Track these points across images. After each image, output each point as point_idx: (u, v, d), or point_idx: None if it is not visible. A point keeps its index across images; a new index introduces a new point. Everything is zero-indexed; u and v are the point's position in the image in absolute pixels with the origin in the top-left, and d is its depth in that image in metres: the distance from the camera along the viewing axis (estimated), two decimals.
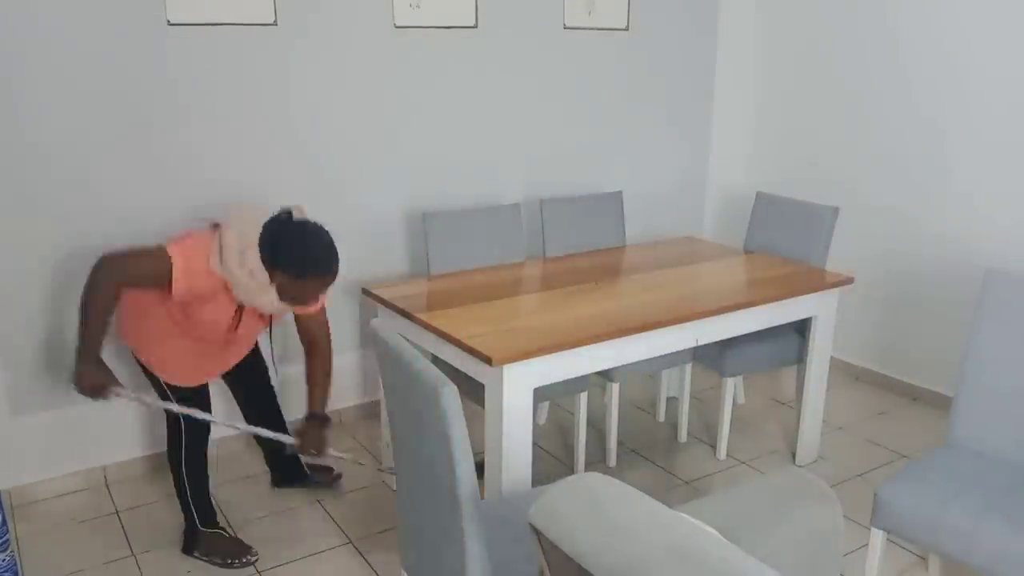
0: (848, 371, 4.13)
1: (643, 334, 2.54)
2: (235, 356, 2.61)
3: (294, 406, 2.95)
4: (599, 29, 3.88)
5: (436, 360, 2.65)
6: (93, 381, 2.24)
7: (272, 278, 2.23)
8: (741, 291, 2.92)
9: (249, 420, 2.82)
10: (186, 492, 2.58)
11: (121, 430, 3.07)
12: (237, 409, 2.87)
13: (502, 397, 2.28)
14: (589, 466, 3.20)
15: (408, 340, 2.14)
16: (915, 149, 3.72)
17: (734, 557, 1.11)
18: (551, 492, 1.32)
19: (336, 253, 2.29)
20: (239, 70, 3.01)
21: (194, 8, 2.86)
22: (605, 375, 3.05)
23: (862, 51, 3.86)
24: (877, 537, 2.26)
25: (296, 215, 2.29)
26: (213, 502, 2.68)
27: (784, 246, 3.44)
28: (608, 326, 2.49)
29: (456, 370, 2.47)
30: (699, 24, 4.25)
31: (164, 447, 3.13)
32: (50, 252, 2.81)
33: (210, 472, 2.66)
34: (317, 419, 2.55)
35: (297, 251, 2.22)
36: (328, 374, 2.59)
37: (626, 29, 3.97)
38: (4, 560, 2.19)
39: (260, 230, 2.22)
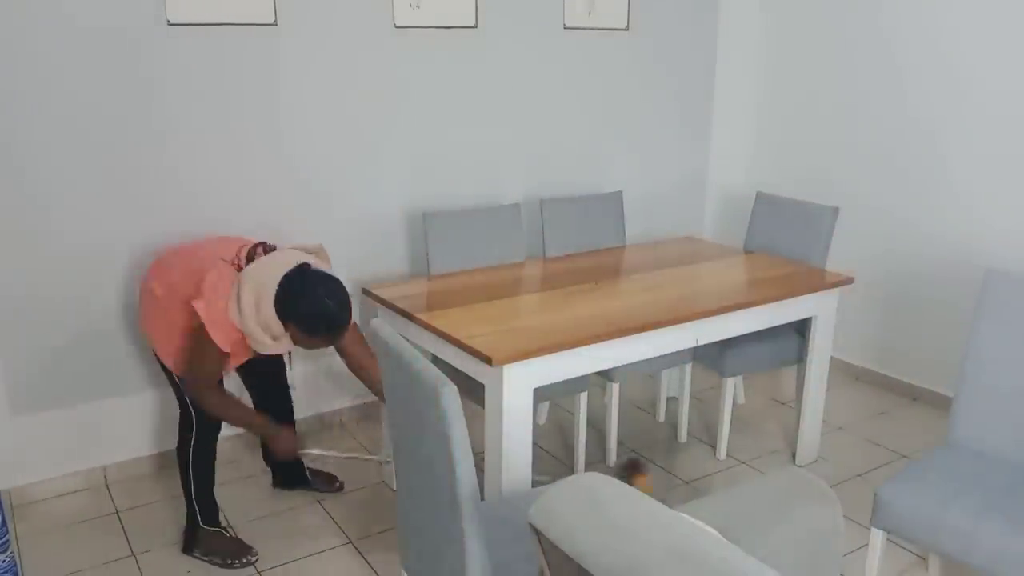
0: (848, 371, 4.13)
1: (643, 334, 2.54)
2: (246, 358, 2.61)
3: (300, 404, 2.95)
4: (599, 29, 3.88)
5: (436, 360, 2.65)
6: (286, 446, 2.52)
7: (286, 328, 2.29)
8: (741, 291, 2.92)
9: None
10: (191, 488, 2.58)
11: (121, 430, 3.07)
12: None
13: (502, 397, 2.28)
14: (589, 466, 3.20)
15: (408, 340, 2.14)
16: (915, 149, 3.72)
17: (734, 557, 1.11)
18: (551, 492, 1.32)
19: (349, 308, 2.32)
20: (238, 70, 3.01)
21: (194, 8, 2.87)
22: (605, 375, 3.05)
23: (862, 52, 3.86)
24: (877, 537, 2.26)
25: (313, 264, 2.33)
26: (217, 501, 2.68)
27: (784, 246, 3.44)
28: (608, 326, 2.49)
29: (456, 370, 2.47)
30: (699, 24, 4.25)
31: (164, 447, 3.16)
32: (50, 252, 2.81)
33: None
34: None
35: (310, 308, 2.25)
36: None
37: (626, 29, 3.97)
38: (4, 560, 2.19)
39: (277, 284, 2.24)
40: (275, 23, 3.04)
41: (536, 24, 3.68)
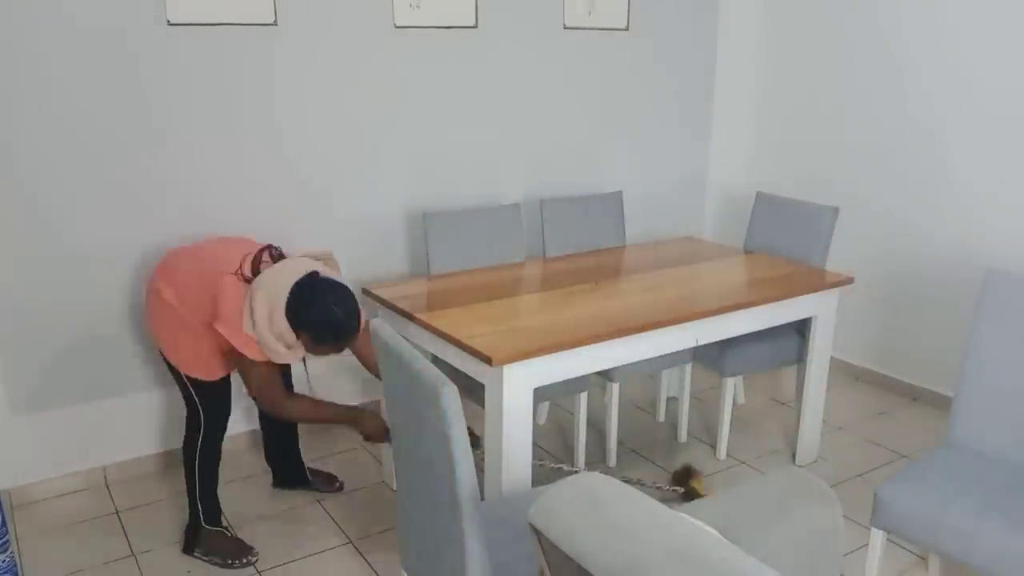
0: (848, 371, 4.13)
1: (643, 334, 2.54)
2: None
3: None
4: (599, 29, 3.88)
5: (436, 360, 2.65)
6: (376, 425, 2.49)
7: (298, 336, 2.32)
8: (741, 291, 2.92)
9: (263, 421, 2.86)
10: (195, 486, 2.58)
11: (121, 430, 3.07)
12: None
13: (502, 397, 2.28)
14: (589, 466, 3.20)
15: (408, 340, 2.14)
16: (915, 149, 3.72)
17: (734, 557, 1.11)
18: (551, 492, 1.32)
19: (358, 315, 2.36)
20: (238, 70, 3.01)
21: (194, 8, 2.87)
22: (605, 375, 3.05)
23: (862, 52, 3.86)
24: (877, 537, 2.26)
25: (322, 272, 2.36)
26: (220, 501, 2.68)
27: (784, 246, 3.44)
28: (608, 326, 2.49)
29: (456, 370, 2.47)
30: (699, 24, 4.25)
31: (163, 448, 3.16)
32: (50, 252, 2.81)
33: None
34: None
35: (319, 316, 2.30)
36: None
37: (626, 29, 3.97)
38: (4, 560, 2.19)
39: (288, 293, 2.28)
40: (275, 23, 3.04)
41: (536, 24, 3.68)
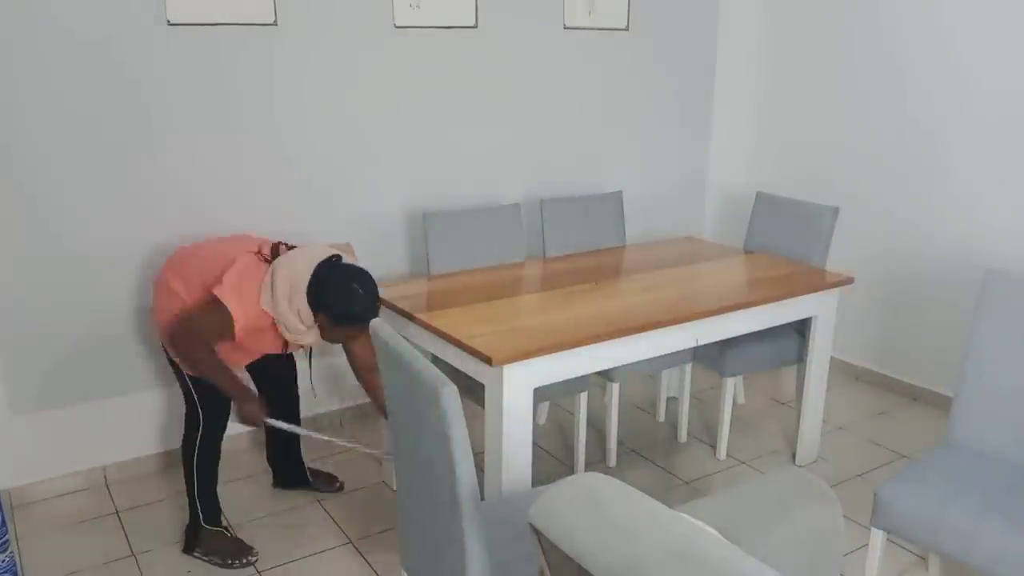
0: (848, 371, 4.13)
1: (643, 334, 2.54)
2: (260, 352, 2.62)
3: (301, 404, 2.95)
4: (599, 29, 3.88)
5: (436, 360, 2.65)
6: (252, 413, 2.45)
7: (315, 318, 2.35)
8: (741, 291, 2.92)
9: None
10: (194, 485, 2.59)
11: (121, 430, 3.07)
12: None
13: (502, 397, 2.28)
14: (589, 466, 3.20)
15: (408, 340, 2.14)
16: (915, 149, 3.72)
17: (734, 557, 1.11)
18: (551, 492, 1.32)
19: (378, 300, 2.39)
20: (238, 70, 3.01)
21: (194, 8, 2.87)
22: (605, 375, 3.05)
23: (862, 52, 3.86)
24: (877, 537, 2.25)
25: (345, 258, 2.41)
26: (220, 501, 2.68)
27: (784, 246, 3.44)
28: (608, 326, 2.49)
29: (456, 370, 2.47)
30: (699, 24, 4.25)
31: (163, 448, 3.16)
32: (49, 253, 2.81)
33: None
34: None
35: (342, 298, 2.32)
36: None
37: (626, 29, 3.97)
38: (4, 560, 2.19)
39: (311, 273, 2.31)
40: (275, 23, 3.04)
41: (536, 24, 3.68)
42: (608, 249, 3.56)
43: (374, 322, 2.04)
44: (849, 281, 3.09)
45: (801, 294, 2.95)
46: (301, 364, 2.88)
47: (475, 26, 3.50)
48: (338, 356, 3.24)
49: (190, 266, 2.44)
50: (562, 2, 3.72)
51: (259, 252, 2.40)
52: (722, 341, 3.05)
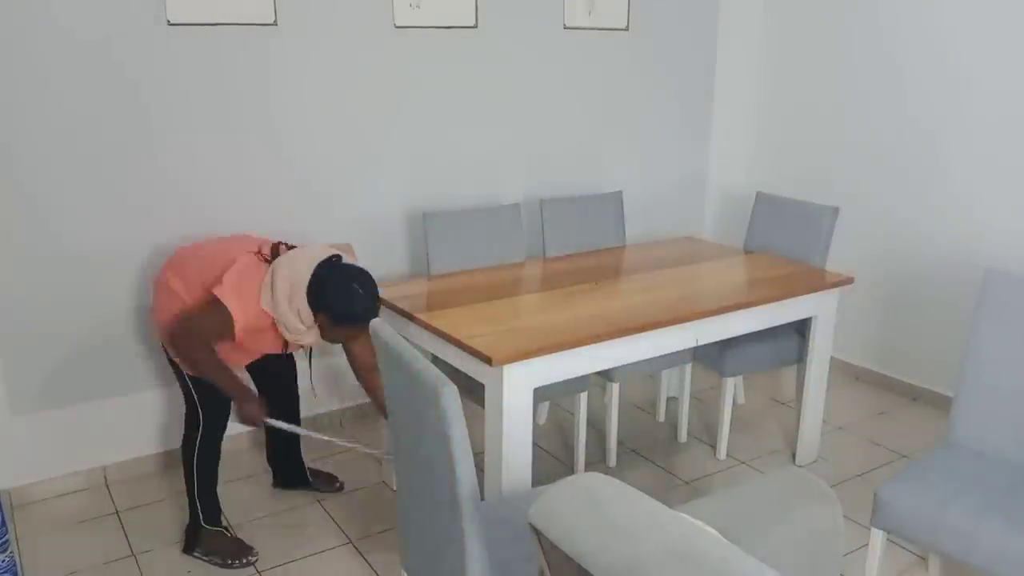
0: (848, 371, 4.13)
1: (643, 334, 2.54)
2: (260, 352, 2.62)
3: (302, 404, 2.95)
4: (599, 29, 3.88)
5: (436, 360, 2.65)
6: (252, 414, 2.45)
7: (315, 318, 2.35)
8: (741, 291, 2.92)
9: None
10: (194, 485, 2.59)
11: (121, 430, 3.07)
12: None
13: (502, 397, 2.28)
14: (589, 466, 3.20)
15: (408, 340, 2.14)
16: (915, 149, 3.72)
17: (734, 557, 1.11)
18: (551, 492, 1.32)
19: (378, 300, 2.40)
20: (238, 70, 3.01)
21: (194, 8, 2.87)
22: (605, 375, 3.05)
23: (862, 52, 3.86)
24: (877, 537, 2.25)
25: (345, 258, 2.41)
26: (220, 501, 2.68)
27: (784, 246, 3.44)
28: (608, 326, 2.49)
29: (456, 370, 2.47)
30: (699, 24, 4.25)
31: (163, 448, 3.16)
32: (49, 253, 2.81)
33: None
34: None
35: (342, 298, 2.32)
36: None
37: (626, 29, 3.97)
38: (4, 560, 2.19)
39: (311, 273, 2.31)
40: (275, 23, 3.04)
41: (536, 24, 3.68)
42: (608, 249, 3.56)
43: (374, 322, 2.04)
44: (849, 281, 3.09)
45: (801, 294, 2.95)
46: (301, 364, 2.88)
47: (475, 26, 3.50)
48: (338, 356, 3.24)
49: (190, 266, 2.44)
50: (562, 2, 3.72)
51: (259, 252, 2.40)
52: (722, 341, 3.05)
